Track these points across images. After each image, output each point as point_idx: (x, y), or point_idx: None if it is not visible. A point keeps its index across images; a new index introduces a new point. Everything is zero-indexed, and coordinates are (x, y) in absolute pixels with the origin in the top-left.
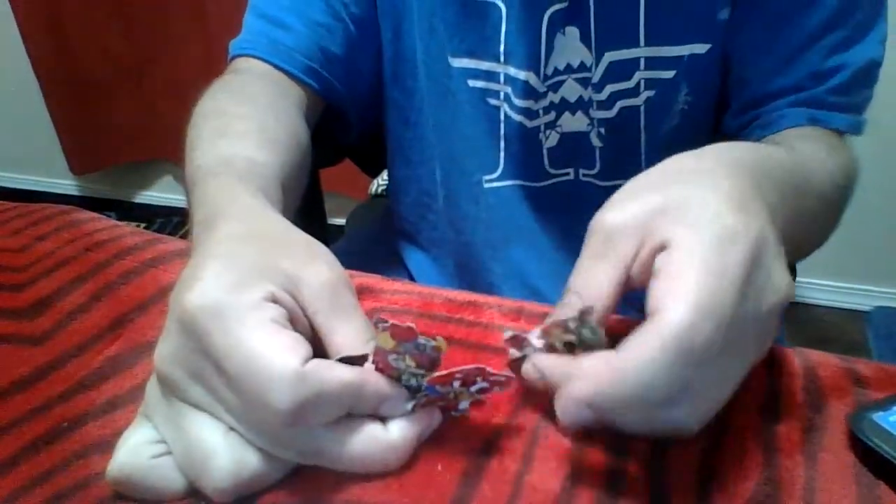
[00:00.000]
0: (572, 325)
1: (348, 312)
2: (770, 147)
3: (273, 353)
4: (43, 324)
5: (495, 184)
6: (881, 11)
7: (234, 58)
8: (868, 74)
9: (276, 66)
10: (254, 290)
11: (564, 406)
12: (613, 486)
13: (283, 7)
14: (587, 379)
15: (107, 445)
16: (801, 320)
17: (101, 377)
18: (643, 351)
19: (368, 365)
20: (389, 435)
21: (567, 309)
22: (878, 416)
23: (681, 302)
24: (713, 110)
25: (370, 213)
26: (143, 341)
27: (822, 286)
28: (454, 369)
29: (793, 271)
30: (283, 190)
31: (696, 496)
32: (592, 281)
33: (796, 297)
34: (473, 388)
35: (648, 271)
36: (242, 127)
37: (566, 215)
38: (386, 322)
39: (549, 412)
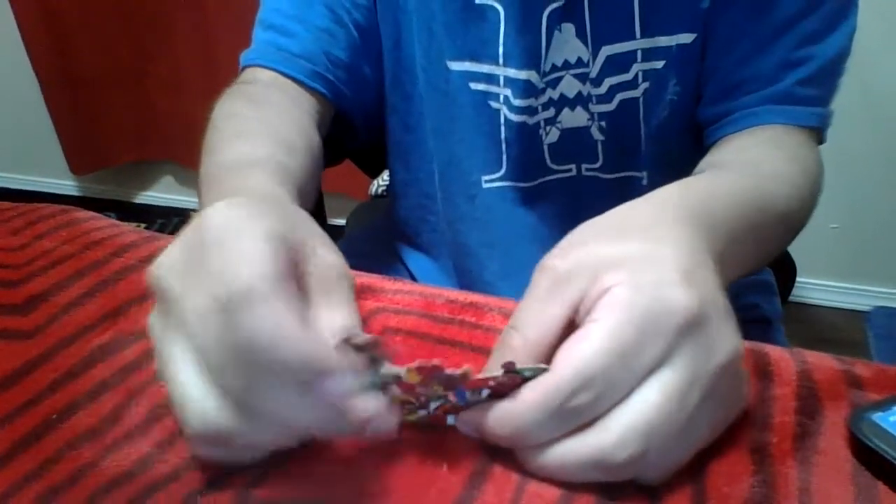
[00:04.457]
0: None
1: (343, 296)
2: (724, 182)
3: (253, 254)
4: (36, 318)
5: (496, 184)
6: (851, 5)
7: (243, 69)
8: (836, 67)
9: (283, 74)
10: (266, 226)
11: (461, 420)
12: (611, 492)
13: (287, 16)
14: (481, 411)
15: (95, 433)
16: (801, 320)
17: (89, 363)
18: (520, 401)
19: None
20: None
21: (507, 351)
22: (877, 417)
23: (565, 367)
24: (697, 101)
25: (370, 213)
26: (135, 329)
27: (822, 286)
28: (489, 376)
29: (793, 271)
30: (300, 195)
31: (692, 499)
32: (539, 321)
33: (796, 297)
34: (485, 395)
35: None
36: (260, 129)
37: (568, 210)
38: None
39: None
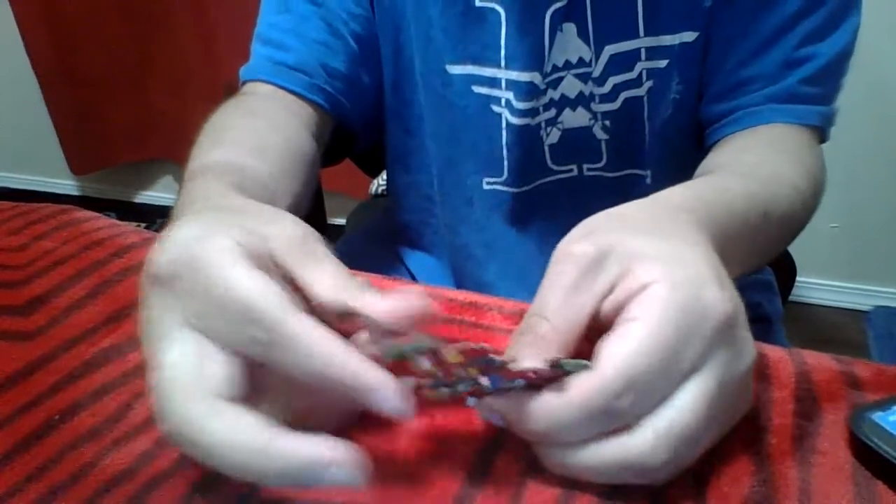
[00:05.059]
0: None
1: (320, 258)
2: (726, 185)
3: (255, 284)
4: (37, 320)
5: (496, 187)
6: (855, 2)
7: (243, 84)
8: (840, 65)
9: (280, 87)
10: (221, 238)
11: (485, 405)
12: (613, 489)
13: (284, 30)
14: (514, 402)
15: (98, 433)
16: (801, 320)
17: (93, 366)
18: (563, 398)
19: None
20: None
21: (533, 338)
22: (877, 416)
23: (610, 367)
24: (700, 100)
25: (370, 213)
26: (138, 332)
27: (822, 286)
28: (528, 367)
29: (793, 271)
30: (272, 196)
31: (693, 499)
32: (568, 310)
33: (796, 297)
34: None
35: (619, 311)
36: (237, 136)
37: (568, 211)
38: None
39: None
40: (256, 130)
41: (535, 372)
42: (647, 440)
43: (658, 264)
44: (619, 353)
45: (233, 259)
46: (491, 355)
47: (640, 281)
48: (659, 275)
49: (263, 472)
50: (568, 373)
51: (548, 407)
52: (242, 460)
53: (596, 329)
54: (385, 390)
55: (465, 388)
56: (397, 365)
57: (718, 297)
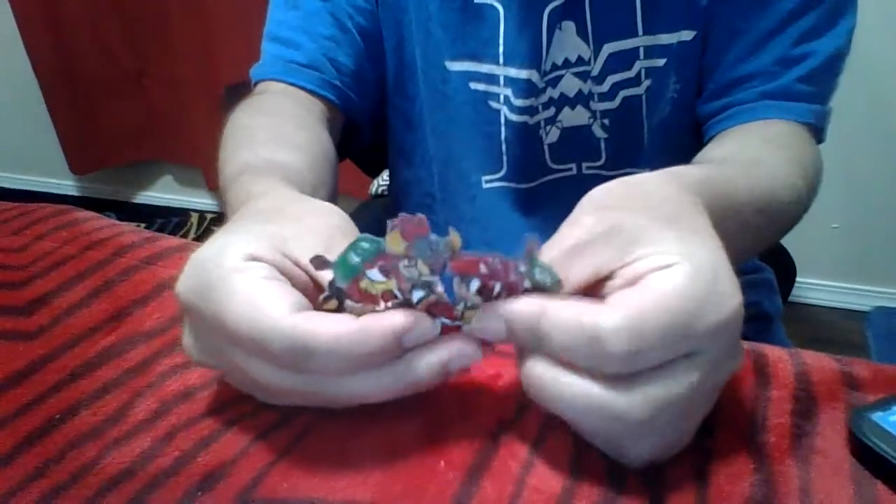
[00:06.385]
0: (522, 267)
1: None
2: (723, 178)
3: (261, 304)
4: (39, 320)
5: (496, 184)
6: (850, 2)
7: (255, 84)
8: (835, 64)
9: (293, 84)
10: (230, 256)
11: (491, 310)
12: (613, 488)
13: (293, 27)
14: (530, 301)
15: (99, 432)
16: (800, 320)
17: (94, 366)
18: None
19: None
20: (410, 372)
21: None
22: (877, 416)
23: (625, 307)
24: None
25: (370, 213)
26: (139, 330)
27: (822, 286)
28: (479, 257)
29: (792, 271)
30: (314, 189)
31: (693, 498)
32: (563, 271)
33: (796, 298)
34: (474, 289)
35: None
36: (263, 135)
37: (568, 209)
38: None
39: (552, 413)
40: (284, 128)
41: (485, 263)
42: (635, 399)
43: (677, 252)
44: (661, 286)
45: (241, 281)
46: (432, 236)
47: (661, 261)
48: (679, 258)
49: (366, 351)
50: (534, 280)
51: (584, 312)
52: (348, 347)
53: None
54: (420, 323)
55: (421, 296)
56: (356, 293)
57: (732, 290)
